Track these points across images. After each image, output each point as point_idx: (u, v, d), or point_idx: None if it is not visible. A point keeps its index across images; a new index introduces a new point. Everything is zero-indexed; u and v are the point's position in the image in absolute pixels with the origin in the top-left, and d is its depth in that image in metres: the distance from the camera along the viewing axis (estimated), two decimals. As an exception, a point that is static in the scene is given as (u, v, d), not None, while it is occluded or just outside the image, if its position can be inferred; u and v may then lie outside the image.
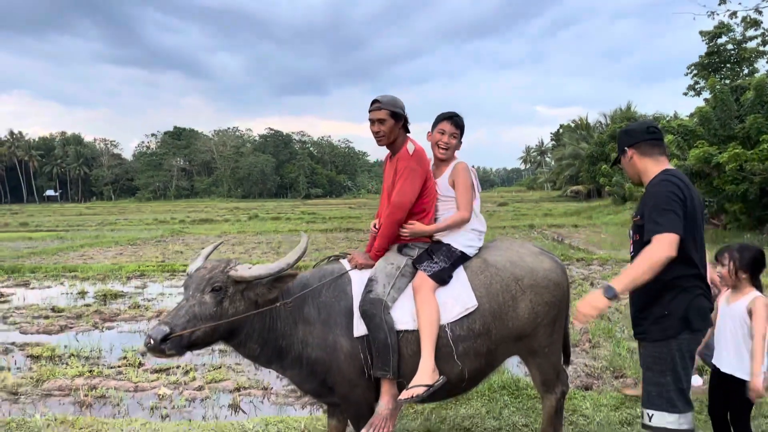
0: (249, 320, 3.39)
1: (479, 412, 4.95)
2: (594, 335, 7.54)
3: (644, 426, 3.17)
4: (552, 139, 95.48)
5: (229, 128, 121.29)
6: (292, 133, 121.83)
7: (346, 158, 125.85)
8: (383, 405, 3.50)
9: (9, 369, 6.84)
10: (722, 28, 25.88)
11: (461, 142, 3.98)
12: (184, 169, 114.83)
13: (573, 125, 70.35)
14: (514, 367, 6.05)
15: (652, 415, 3.08)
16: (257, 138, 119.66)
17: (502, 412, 4.96)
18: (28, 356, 7.37)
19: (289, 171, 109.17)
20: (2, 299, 11.15)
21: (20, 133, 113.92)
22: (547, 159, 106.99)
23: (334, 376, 3.53)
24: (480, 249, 3.93)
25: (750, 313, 3.54)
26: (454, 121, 3.91)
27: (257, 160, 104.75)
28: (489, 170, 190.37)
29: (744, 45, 26.42)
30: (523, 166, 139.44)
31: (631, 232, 3.33)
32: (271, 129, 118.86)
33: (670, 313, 3.06)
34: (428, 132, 4.02)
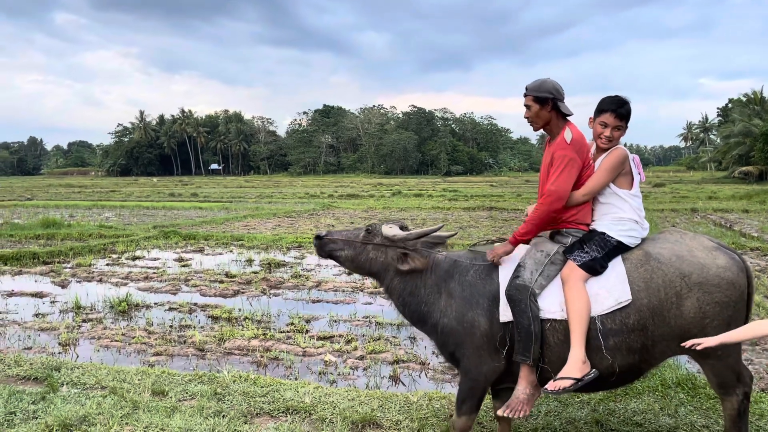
0: (388, 275, 3.94)
1: (652, 408, 4.68)
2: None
3: None
4: (718, 115, 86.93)
5: (374, 106, 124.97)
6: (435, 110, 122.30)
7: (488, 135, 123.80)
8: (521, 390, 3.53)
9: (194, 327, 7.65)
10: None
11: (627, 128, 3.76)
12: (332, 145, 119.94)
13: (745, 99, 63.67)
14: (689, 363, 5.65)
15: None
16: (401, 115, 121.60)
17: (678, 410, 4.65)
18: (209, 317, 8.20)
19: (431, 148, 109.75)
20: (183, 263, 12.46)
21: (190, 111, 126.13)
22: (711, 136, 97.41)
23: (464, 350, 3.69)
24: (644, 240, 3.74)
25: None
26: (618, 113, 3.68)
27: (400, 137, 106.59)
28: (643, 148, 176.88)
29: None
30: (682, 144, 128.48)
31: None
32: (414, 106, 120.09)
33: None
34: (590, 117, 3.83)
